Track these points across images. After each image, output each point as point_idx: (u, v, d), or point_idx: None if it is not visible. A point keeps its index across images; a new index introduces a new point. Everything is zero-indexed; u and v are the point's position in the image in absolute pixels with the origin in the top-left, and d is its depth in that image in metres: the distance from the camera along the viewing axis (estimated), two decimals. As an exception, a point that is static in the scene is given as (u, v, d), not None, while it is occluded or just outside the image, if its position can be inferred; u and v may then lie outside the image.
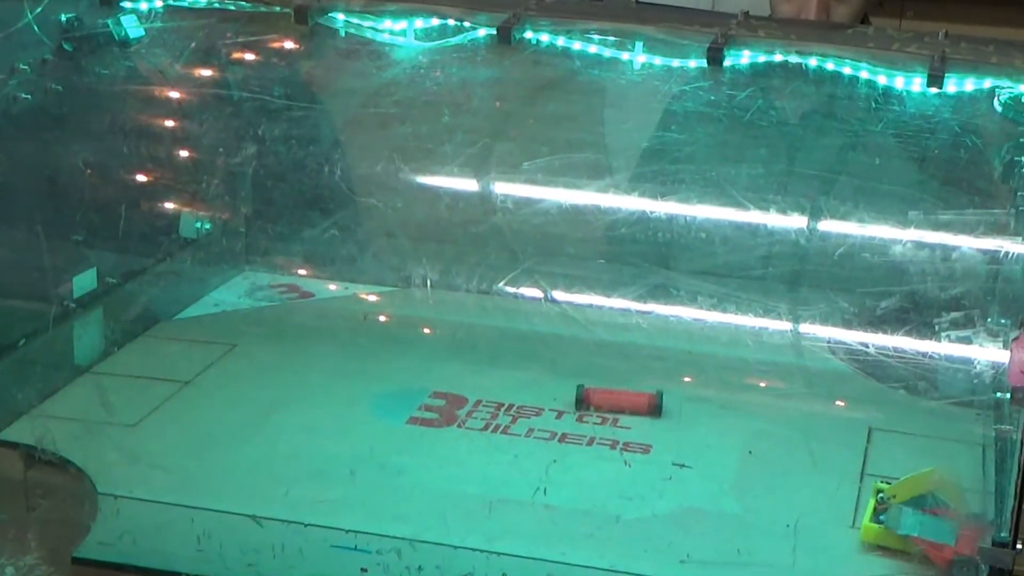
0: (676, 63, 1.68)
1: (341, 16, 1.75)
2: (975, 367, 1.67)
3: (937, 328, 1.72)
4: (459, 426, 1.78)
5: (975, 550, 1.45)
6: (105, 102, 1.94)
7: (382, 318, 2.16)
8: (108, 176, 1.97)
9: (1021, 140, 1.66)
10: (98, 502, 1.57)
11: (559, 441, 1.74)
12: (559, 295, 1.98)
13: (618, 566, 1.47)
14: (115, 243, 1.95)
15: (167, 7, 1.88)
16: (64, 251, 1.87)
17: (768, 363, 1.89)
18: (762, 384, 1.90)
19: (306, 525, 1.52)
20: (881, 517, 1.52)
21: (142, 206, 2.05)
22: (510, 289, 1.99)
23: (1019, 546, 1.39)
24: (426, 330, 2.07)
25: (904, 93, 1.64)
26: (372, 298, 2.17)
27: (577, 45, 1.69)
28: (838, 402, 1.88)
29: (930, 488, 1.53)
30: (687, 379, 1.93)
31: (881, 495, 1.55)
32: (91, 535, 1.53)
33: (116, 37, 1.88)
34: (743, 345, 1.90)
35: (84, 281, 1.90)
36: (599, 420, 1.79)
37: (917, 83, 1.61)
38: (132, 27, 1.89)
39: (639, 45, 1.68)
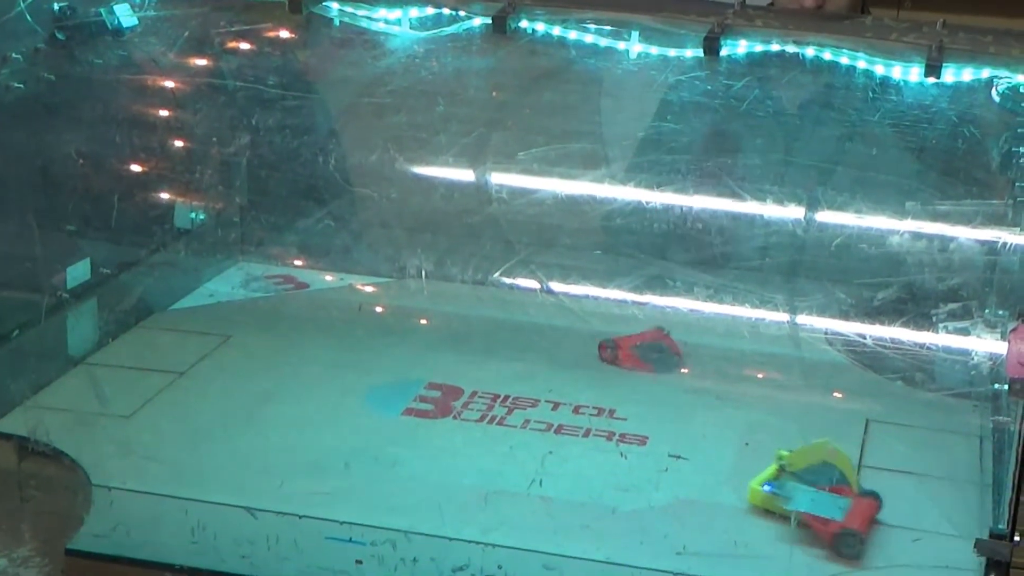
0: (672, 52, 1.67)
1: (336, 5, 1.74)
2: (973, 358, 1.67)
3: (935, 319, 1.71)
4: (455, 417, 1.77)
5: (864, 525, 1.49)
6: (98, 91, 1.93)
7: (378, 309, 2.15)
8: (102, 166, 1.96)
9: (1019, 130, 1.65)
10: (92, 494, 1.56)
11: (555, 432, 1.74)
12: (555, 286, 1.97)
13: (614, 558, 1.47)
14: (109, 233, 1.95)
15: (160, -4, 1.88)
16: (58, 241, 1.87)
17: (765, 354, 1.89)
18: (759, 375, 1.89)
19: (300, 517, 1.51)
20: (765, 485, 1.56)
21: (136, 196, 2.04)
22: (506, 280, 1.98)
23: (1016, 538, 1.39)
24: (422, 321, 2.07)
25: (902, 83, 1.63)
26: (367, 289, 2.17)
27: (573, 34, 1.68)
28: (835, 393, 1.88)
29: (824, 458, 1.57)
30: (684, 370, 1.92)
31: (782, 463, 1.57)
32: (85, 527, 1.53)
33: (109, 26, 1.87)
34: (740, 336, 1.89)
35: (78, 271, 1.89)
36: (595, 412, 1.79)
37: (915, 73, 1.60)
38: (125, 16, 1.88)
39: (635, 34, 1.67)
